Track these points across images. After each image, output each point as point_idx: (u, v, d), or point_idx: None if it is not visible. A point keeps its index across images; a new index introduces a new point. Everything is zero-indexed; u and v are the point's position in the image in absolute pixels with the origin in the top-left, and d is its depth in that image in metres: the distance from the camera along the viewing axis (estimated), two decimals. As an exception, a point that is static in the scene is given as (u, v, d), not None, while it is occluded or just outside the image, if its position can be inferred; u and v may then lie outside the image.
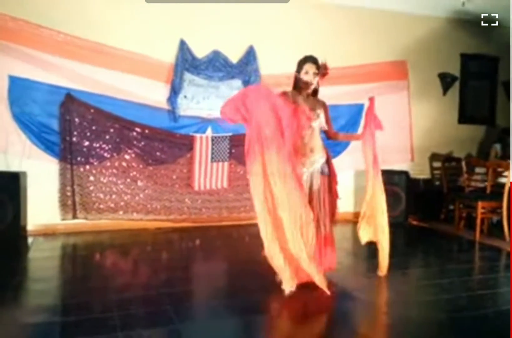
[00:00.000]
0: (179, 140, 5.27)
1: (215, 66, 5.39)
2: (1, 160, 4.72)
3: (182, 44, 5.23)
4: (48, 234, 4.85)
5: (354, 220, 5.27)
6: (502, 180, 5.27)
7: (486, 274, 3.86)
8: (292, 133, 2.96)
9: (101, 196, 5.01)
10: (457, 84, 6.61)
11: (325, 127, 3.40)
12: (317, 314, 2.96)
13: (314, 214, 3.09)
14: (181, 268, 3.90)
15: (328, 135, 3.50)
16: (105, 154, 5.01)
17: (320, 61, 3.25)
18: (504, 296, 3.15)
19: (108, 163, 5.03)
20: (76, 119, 4.87)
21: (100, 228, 5.05)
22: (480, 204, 4.97)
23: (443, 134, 6.48)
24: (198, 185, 5.33)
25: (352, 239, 4.79)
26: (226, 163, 5.42)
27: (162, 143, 5.20)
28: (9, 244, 4.42)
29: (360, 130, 3.90)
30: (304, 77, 3.23)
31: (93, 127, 4.94)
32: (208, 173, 5.35)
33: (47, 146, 4.85)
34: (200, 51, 5.32)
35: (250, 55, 5.48)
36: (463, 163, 5.64)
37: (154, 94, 5.17)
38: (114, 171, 5.05)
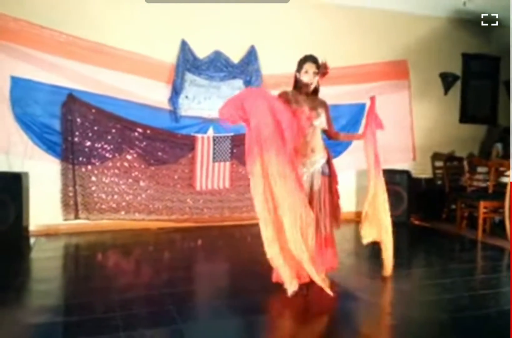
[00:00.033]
0: (181, 141, 5.27)
1: (216, 67, 5.39)
2: (3, 161, 4.73)
3: (184, 44, 5.23)
4: (50, 234, 4.86)
5: (356, 220, 5.28)
6: (504, 179, 5.26)
7: (488, 273, 3.86)
8: (293, 135, 2.95)
9: (103, 196, 5.02)
10: (458, 84, 6.61)
11: (325, 127, 3.39)
12: (320, 314, 2.95)
13: (314, 215, 3.08)
14: (183, 268, 3.90)
15: (329, 135, 3.49)
16: (107, 154, 5.02)
17: (320, 61, 3.25)
18: (506, 295, 3.15)
19: (110, 164, 5.04)
20: (78, 120, 4.88)
21: (102, 228, 5.06)
22: (482, 204, 4.96)
23: (444, 134, 6.48)
24: (200, 185, 5.33)
25: (354, 239, 4.79)
26: (227, 163, 5.43)
27: (164, 143, 5.21)
28: (12, 245, 4.43)
29: (361, 130, 3.89)
30: (304, 76, 3.23)
31: (95, 128, 4.95)
32: (210, 173, 5.36)
33: (49, 147, 4.86)
34: (201, 52, 5.33)
35: (251, 55, 5.48)
36: (465, 163, 5.63)
37: (156, 94, 5.17)
38: (116, 171, 5.06)
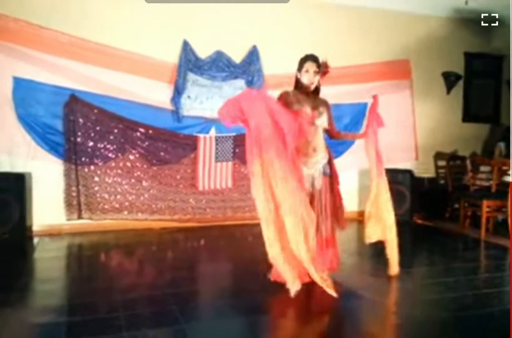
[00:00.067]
0: (183, 141, 5.28)
1: (218, 67, 5.39)
2: (6, 161, 4.74)
3: (185, 44, 5.24)
4: (53, 234, 4.87)
5: (358, 219, 5.28)
6: (507, 178, 5.25)
7: (492, 272, 3.86)
8: (294, 136, 2.94)
9: (106, 196, 5.03)
10: (461, 83, 6.59)
11: (327, 126, 3.38)
12: (323, 314, 2.95)
13: (315, 215, 3.08)
14: (186, 268, 3.90)
15: (330, 134, 3.49)
16: (110, 154, 5.03)
17: (320, 60, 3.24)
18: (510, 294, 3.14)
19: (113, 164, 5.05)
20: (80, 120, 4.89)
21: (105, 228, 5.07)
22: (485, 203, 4.96)
23: (447, 133, 6.47)
24: (202, 185, 5.34)
25: (357, 238, 4.79)
26: (230, 163, 5.43)
27: (166, 143, 5.22)
28: (15, 245, 4.45)
29: (363, 129, 3.89)
30: (305, 76, 3.23)
31: (97, 128, 4.96)
32: (212, 172, 5.36)
33: (52, 147, 4.87)
34: (203, 52, 5.33)
35: (253, 55, 5.48)
36: (468, 162, 5.62)
37: (158, 94, 5.18)
38: (119, 171, 5.07)
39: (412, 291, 3.38)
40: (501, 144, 6.18)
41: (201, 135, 5.32)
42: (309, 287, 3.07)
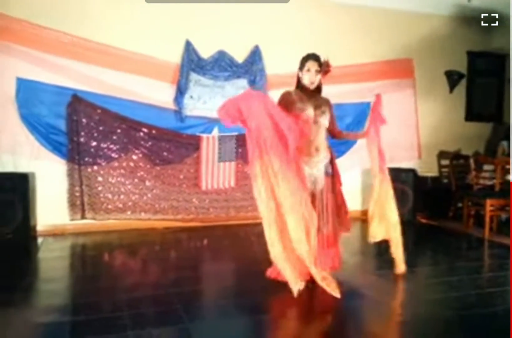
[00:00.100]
0: (186, 140, 5.29)
1: (221, 66, 5.40)
2: (10, 161, 4.75)
3: (188, 44, 5.24)
4: (57, 234, 4.89)
5: (361, 218, 5.28)
6: (510, 177, 5.24)
7: (496, 271, 3.85)
8: (295, 136, 2.93)
9: (109, 196, 5.04)
10: (464, 82, 6.58)
11: (327, 125, 3.38)
12: (326, 313, 2.95)
13: (316, 214, 3.08)
14: (190, 267, 3.91)
15: (332, 134, 3.48)
16: (113, 154, 5.04)
17: (322, 59, 3.24)
18: (510, 294, 3.13)
19: (116, 164, 5.05)
20: (83, 120, 4.90)
21: (109, 228, 5.08)
22: (488, 202, 4.95)
23: (450, 132, 6.46)
24: (205, 185, 5.34)
25: (360, 237, 4.78)
26: (233, 163, 5.43)
27: (169, 143, 5.22)
28: (19, 244, 4.46)
29: (365, 128, 3.88)
30: (306, 75, 3.23)
31: (100, 128, 4.97)
32: (215, 172, 5.37)
33: (55, 147, 4.89)
34: (206, 52, 5.33)
35: (255, 55, 5.48)
36: (471, 161, 5.61)
37: (161, 94, 5.18)
38: (122, 171, 5.08)
39: (415, 290, 3.38)
40: (504, 143, 6.16)
41: (204, 135, 5.33)
42: (312, 286, 3.07)
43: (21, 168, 4.76)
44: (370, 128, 3.44)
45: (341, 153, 5.60)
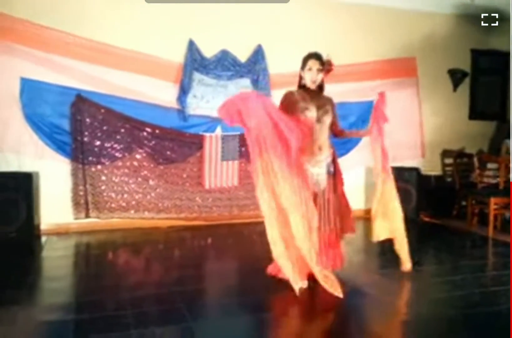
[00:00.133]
0: (189, 140, 5.29)
1: (224, 66, 5.40)
2: (14, 160, 4.77)
3: (191, 44, 5.25)
4: (61, 233, 4.91)
5: (364, 217, 5.27)
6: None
7: (499, 270, 3.83)
8: (296, 135, 2.93)
9: (113, 195, 5.05)
10: (467, 80, 6.56)
11: (331, 124, 3.37)
12: (328, 312, 2.95)
13: (317, 213, 3.08)
14: (193, 266, 3.91)
15: (334, 132, 3.47)
16: (117, 154, 5.05)
17: (324, 57, 3.23)
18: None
19: (120, 163, 5.07)
20: (87, 120, 4.91)
21: (112, 227, 5.09)
22: (492, 200, 4.94)
23: (453, 131, 6.45)
24: (208, 183, 5.35)
25: (363, 236, 4.78)
26: (236, 162, 5.44)
27: (172, 142, 5.23)
28: (23, 243, 4.48)
29: (368, 127, 3.87)
30: (308, 74, 3.22)
31: (104, 127, 4.98)
32: (219, 171, 5.37)
33: (59, 147, 4.90)
34: (209, 51, 5.34)
35: (258, 54, 5.48)
36: (475, 159, 5.59)
37: (164, 94, 5.19)
38: (126, 170, 5.09)
39: (419, 289, 3.38)
40: (508, 142, 6.14)
41: (207, 134, 5.34)
42: (315, 285, 3.07)
43: (25, 167, 4.78)
44: (373, 127, 3.43)
45: (346, 151, 5.61)
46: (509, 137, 6.18)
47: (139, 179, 5.14)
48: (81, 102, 4.88)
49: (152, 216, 5.21)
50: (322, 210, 3.22)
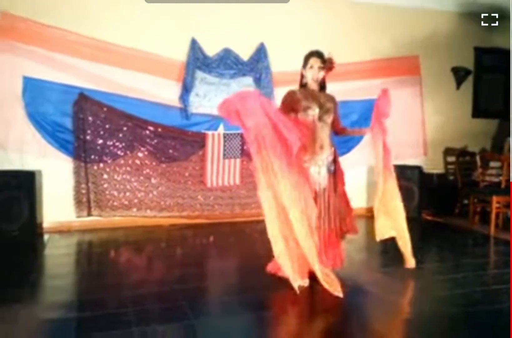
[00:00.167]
0: (191, 138, 5.30)
1: (226, 64, 5.40)
2: (17, 159, 4.79)
3: (193, 42, 5.24)
4: (63, 231, 4.92)
5: (366, 215, 5.27)
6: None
7: (501, 268, 3.83)
8: (296, 134, 2.93)
9: (115, 193, 5.06)
10: (470, 78, 6.55)
11: (332, 122, 3.37)
12: (329, 310, 2.95)
13: (317, 212, 3.08)
14: (195, 264, 3.92)
15: (335, 130, 3.46)
16: (119, 152, 5.06)
17: (325, 55, 3.23)
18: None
19: (122, 161, 5.08)
20: (90, 118, 4.92)
21: (115, 225, 5.10)
22: (494, 199, 4.93)
23: (456, 129, 6.43)
24: (210, 182, 5.35)
25: (364, 234, 4.77)
26: (238, 160, 5.44)
27: (175, 141, 5.24)
28: (26, 241, 4.49)
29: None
30: (309, 72, 3.22)
31: (106, 126, 4.99)
32: (220, 169, 5.38)
33: (62, 145, 4.91)
34: (211, 49, 5.34)
35: (260, 53, 5.48)
36: (478, 158, 5.58)
37: (166, 92, 5.20)
38: (128, 168, 5.10)
39: (420, 287, 3.38)
40: (510, 140, 6.12)
41: (209, 133, 5.34)
42: (316, 283, 3.08)
43: (28, 166, 4.79)
44: (374, 124, 3.42)
45: (348, 149, 5.60)
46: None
47: (141, 177, 5.14)
48: (83, 101, 4.88)
49: (154, 214, 5.22)
50: (322, 209, 3.22)
